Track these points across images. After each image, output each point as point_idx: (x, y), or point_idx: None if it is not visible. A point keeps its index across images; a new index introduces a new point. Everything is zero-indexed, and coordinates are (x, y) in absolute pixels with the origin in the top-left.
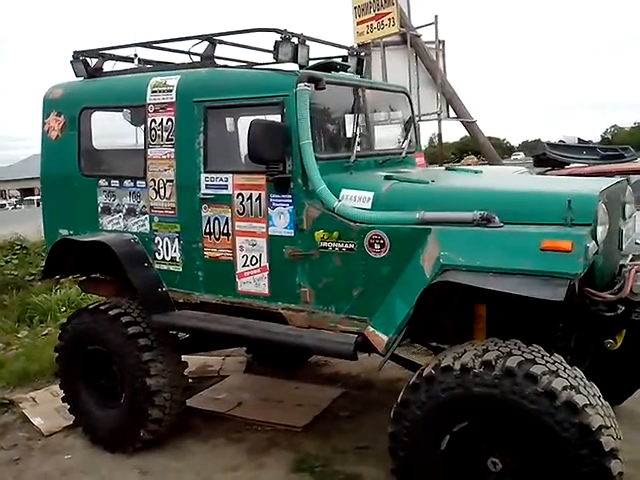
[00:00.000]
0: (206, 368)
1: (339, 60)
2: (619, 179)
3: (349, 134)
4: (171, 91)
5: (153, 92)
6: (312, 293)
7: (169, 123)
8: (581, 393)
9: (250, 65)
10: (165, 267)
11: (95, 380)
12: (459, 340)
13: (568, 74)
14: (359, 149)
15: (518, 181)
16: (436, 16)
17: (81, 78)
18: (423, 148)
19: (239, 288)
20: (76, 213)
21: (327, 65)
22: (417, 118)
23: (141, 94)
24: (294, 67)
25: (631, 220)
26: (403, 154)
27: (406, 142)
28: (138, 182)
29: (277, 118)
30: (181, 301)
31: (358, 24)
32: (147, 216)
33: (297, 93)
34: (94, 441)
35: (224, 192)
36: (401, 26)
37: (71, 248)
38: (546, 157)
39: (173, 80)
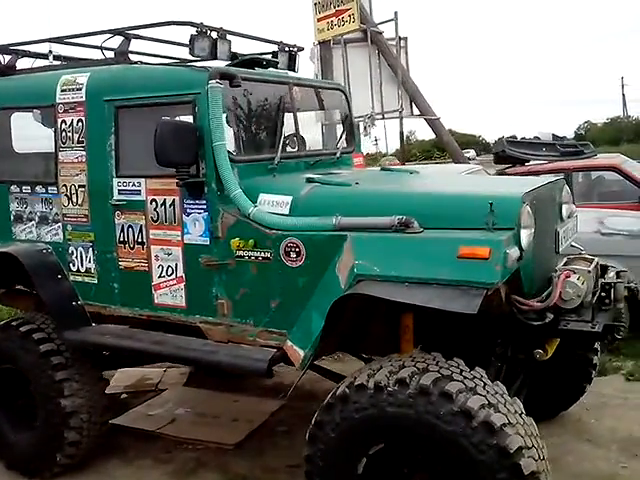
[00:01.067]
0: (144, 381)
1: (269, 56)
2: (553, 178)
3: (274, 134)
4: (80, 89)
5: (62, 91)
6: (229, 305)
7: (79, 124)
8: (500, 412)
9: (171, 62)
10: (80, 279)
11: (10, 401)
12: (390, 351)
13: (543, 70)
14: (290, 150)
15: (445, 183)
16: (396, 12)
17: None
18: (390, 148)
19: (155, 301)
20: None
21: (251, 61)
22: (379, 116)
23: (50, 93)
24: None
25: (571, 220)
26: (337, 154)
27: (341, 142)
28: (50, 188)
29: (190, 118)
30: (106, 314)
31: (318, 21)
32: (60, 224)
33: (209, 91)
34: (10, 467)
35: (137, 198)
36: (362, 22)
37: None
38: (505, 154)
39: (83, 78)
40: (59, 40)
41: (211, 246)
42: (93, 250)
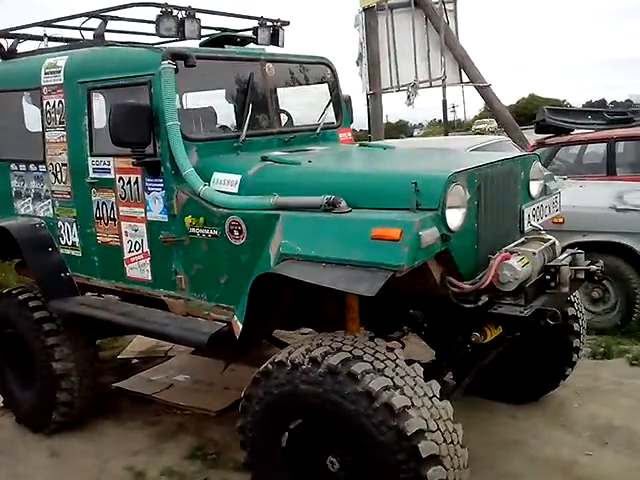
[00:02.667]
0: (156, 348)
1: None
2: (513, 154)
3: (242, 112)
4: (60, 72)
5: (46, 74)
6: (187, 280)
7: (60, 105)
8: (405, 394)
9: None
10: (68, 252)
11: (16, 362)
12: (343, 328)
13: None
14: (263, 127)
15: (390, 161)
16: None
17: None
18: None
19: (127, 274)
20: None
21: (223, 39)
22: (426, 84)
23: (37, 76)
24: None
25: (547, 198)
26: (318, 130)
27: (324, 117)
28: (40, 166)
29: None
30: (93, 286)
31: None
32: (50, 200)
33: (161, 72)
34: (18, 421)
35: (108, 176)
36: None
37: None
38: (546, 124)
39: (62, 61)
40: (47, 24)
41: (169, 223)
42: (76, 225)
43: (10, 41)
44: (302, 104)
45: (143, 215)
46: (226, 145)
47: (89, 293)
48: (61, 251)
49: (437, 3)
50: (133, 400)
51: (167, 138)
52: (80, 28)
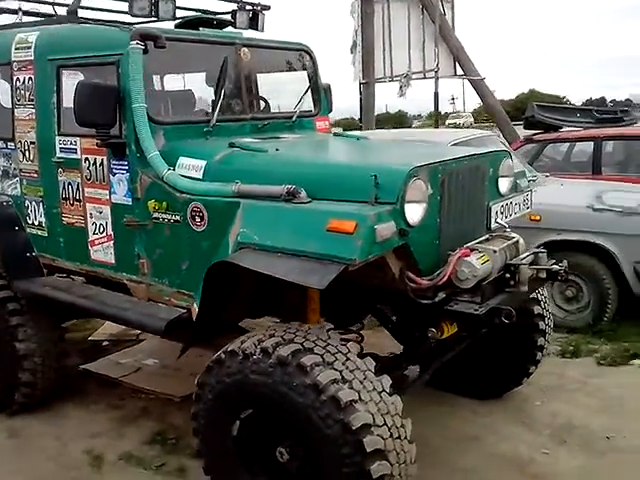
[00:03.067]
0: (128, 331)
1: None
2: (482, 150)
3: (215, 96)
4: (30, 48)
5: (16, 49)
6: (149, 265)
7: (30, 82)
8: (353, 388)
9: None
10: (35, 231)
11: None
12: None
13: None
14: (239, 113)
15: (355, 152)
16: None
17: None
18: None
19: (92, 257)
20: None
21: (198, 21)
22: (420, 75)
23: (7, 51)
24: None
25: (517, 196)
26: (294, 118)
27: (299, 105)
28: (9, 144)
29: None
30: (59, 267)
31: None
32: (18, 179)
33: (129, 52)
34: None
35: (74, 156)
36: None
37: None
38: (535, 120)
39: (33, 37)
40: None
41: (133, 206)
42: (43, 205)
43: None
44: (279, 91)
45: (107, 197)
46: (195, 129)
47: (57, 274)
48: (28, 230)
49: None
50: (99, 383)
51: (133, 120)
52: (53, 3)
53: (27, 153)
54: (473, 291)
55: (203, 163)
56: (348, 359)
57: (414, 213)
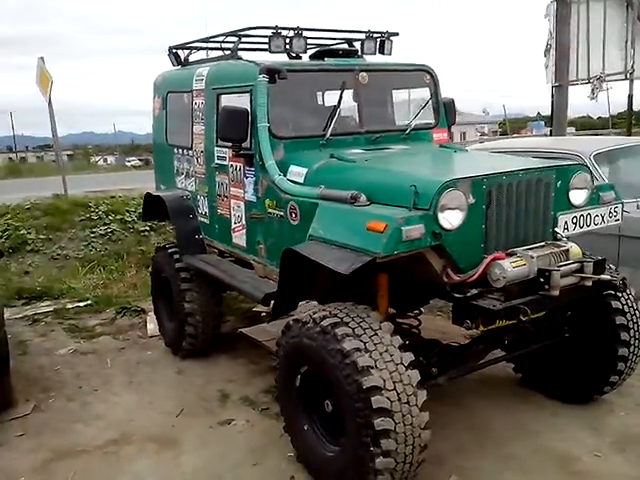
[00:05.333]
0: None
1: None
2: (542, 165)
3: (330, 115)
4: (202, 80)
5: (196, 81)
6: (264, 249)
7: (202, 105)
8: (372, 357)
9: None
10: (202, 219)
11: (166, 300)
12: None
13: None
14: (355, 128)
15: (429, 162)
16: None
17: (178, 67)
18: None
19: (233, 241)
20: (166, 173)
21: (325, 52)
22: (621, 76)
23: (190, 82)
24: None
25: (595, 209)
26: (407, 131)
27: (417, 119)
28: (189, 151)
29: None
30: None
31: None
32: (194, 178)
33: (257, 83)
34: (166, 344)
35: (224, 163)
36: None
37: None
38: None
39: (205, 71)
40: (206, 40)
41: (256, 203)
42: (207, 199)
43: (186, 52)
44: (403, 107)
45: (242, 195)
46: (313, 143)
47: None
48: (199, 219)
49: None
50: (249, 344)
51: (257, 136)
52: (221, 48)
53: (199, 159)
54: (501, 291)
55: (305, 170)
56: (375, 334)
57: (448, 219)
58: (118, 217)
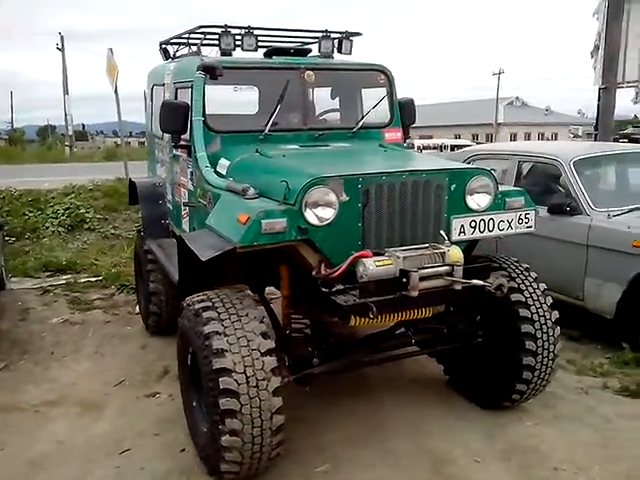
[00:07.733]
0: None
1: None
2: (431, 167)
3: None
4: (170, 75)
5: (166, 75)
6: None
7: (167, 97)
8: (227, 341)
9: None
10: (169, 205)
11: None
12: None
13: None
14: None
15: (339, 159)
16: None
17: (168, 60)
18: None
19: (182, 226)
20: (151, 161)
21: (274, 50)
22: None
23: (162, 76)
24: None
25: (498, 214)
26: (354, 129)
27: (362, 118)
28: (161, 141)
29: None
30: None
31: None
32: (164, 167)
33: (195, 79)
34: (143, 321)
35: (178, 153)
36: None
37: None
38: None
39: (172, 66)
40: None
41: (193, 191)
42: (171, 186)
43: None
44: (360, 105)
45: (186, 184)
46: (251, 137)
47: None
48: (167, 205)
49: None
50: None
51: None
52: (202, 44)
53: (165, 149)
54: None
55: (228, 163)
56: (239, 320)
57: (315, 215)
58: None
